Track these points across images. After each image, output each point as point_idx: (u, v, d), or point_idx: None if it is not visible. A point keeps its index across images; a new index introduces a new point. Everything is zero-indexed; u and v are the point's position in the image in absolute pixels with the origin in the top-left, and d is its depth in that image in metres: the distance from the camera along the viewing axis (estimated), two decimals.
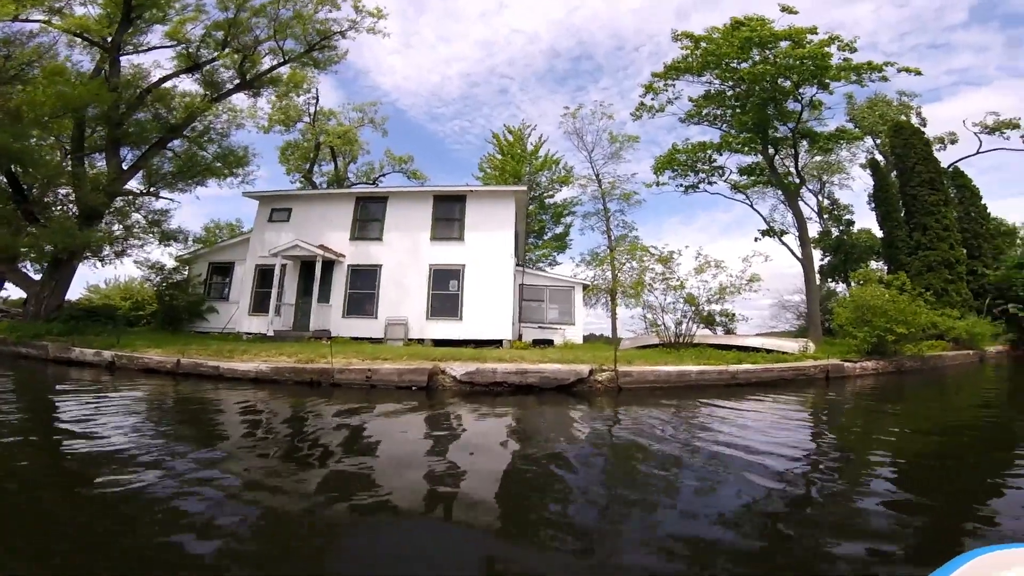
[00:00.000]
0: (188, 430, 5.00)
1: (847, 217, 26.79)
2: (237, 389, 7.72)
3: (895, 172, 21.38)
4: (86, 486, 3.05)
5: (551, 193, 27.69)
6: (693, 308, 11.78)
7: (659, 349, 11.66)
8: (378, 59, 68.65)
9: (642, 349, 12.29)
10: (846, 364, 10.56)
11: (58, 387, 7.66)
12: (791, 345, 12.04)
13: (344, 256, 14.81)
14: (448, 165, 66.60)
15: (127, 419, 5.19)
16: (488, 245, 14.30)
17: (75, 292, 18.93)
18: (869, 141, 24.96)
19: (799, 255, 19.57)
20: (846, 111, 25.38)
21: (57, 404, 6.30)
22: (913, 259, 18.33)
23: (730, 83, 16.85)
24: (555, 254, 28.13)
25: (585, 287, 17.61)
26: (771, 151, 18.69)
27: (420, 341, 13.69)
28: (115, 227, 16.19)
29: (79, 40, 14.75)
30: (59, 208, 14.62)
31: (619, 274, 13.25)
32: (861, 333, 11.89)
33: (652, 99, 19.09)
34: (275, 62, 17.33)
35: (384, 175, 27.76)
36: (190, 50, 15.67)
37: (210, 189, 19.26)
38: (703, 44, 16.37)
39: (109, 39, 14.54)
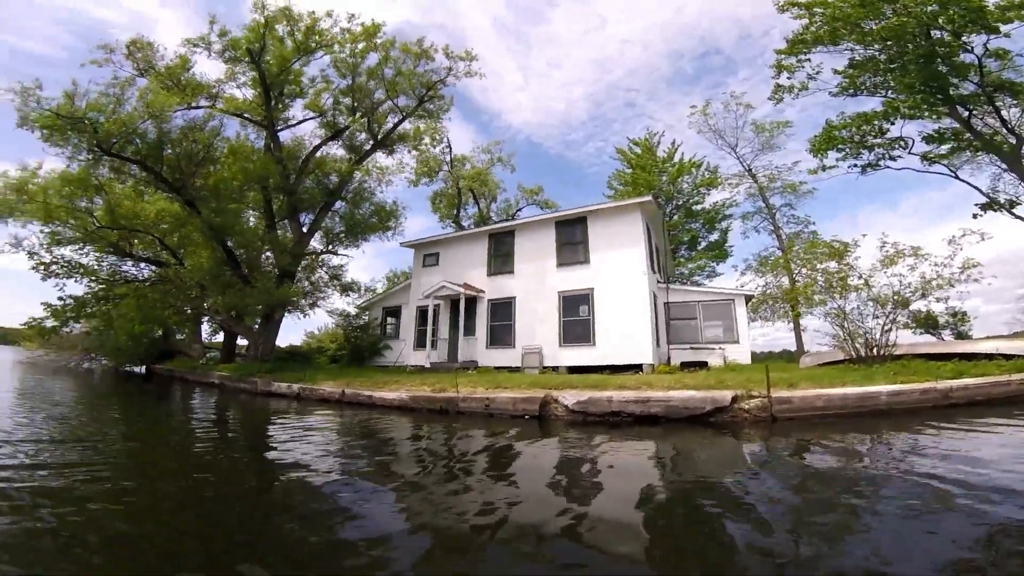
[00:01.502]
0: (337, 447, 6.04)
1: None
2: (383, 414, 8.88)
3: None
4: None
5: (697, 199, 25.39)
6: (886, 310, 9.25)
7: (843, 366, 9.44)
8: (503, 100, 73.63)
9: (825, 367, 10.12)
10: None
11: (260, 414, 9.62)
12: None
13: (484, 291, 15.68)
14: (588, 189, 66.92)
15: (299, 440, 6.18)
16: (616, 265, 13.61)
17: (297, 338, 23.86)
18: None
19: None
20: None
21: (259, 425, 8.31)
22: None
23: (876, 47, 13.82)
24: (713, 264, 25.46)
25: (749, 298, 15.45)
26: (963, 112, 14.45)
27: (555, 369, 13.58)
28: (304, 283, 19.99)
29: (241, 119, 18.02)
30: (265, 270, 18.46)
31: (797, 278, 11.28)
32: None
33: (788, 78, 16.60)
34: (396, 119, 19.50)
35: (520, 209, 29.01)
36: (327, 119, 18.64)
37: (389, 242, 22.18)
38: (817, 9, 13.89)
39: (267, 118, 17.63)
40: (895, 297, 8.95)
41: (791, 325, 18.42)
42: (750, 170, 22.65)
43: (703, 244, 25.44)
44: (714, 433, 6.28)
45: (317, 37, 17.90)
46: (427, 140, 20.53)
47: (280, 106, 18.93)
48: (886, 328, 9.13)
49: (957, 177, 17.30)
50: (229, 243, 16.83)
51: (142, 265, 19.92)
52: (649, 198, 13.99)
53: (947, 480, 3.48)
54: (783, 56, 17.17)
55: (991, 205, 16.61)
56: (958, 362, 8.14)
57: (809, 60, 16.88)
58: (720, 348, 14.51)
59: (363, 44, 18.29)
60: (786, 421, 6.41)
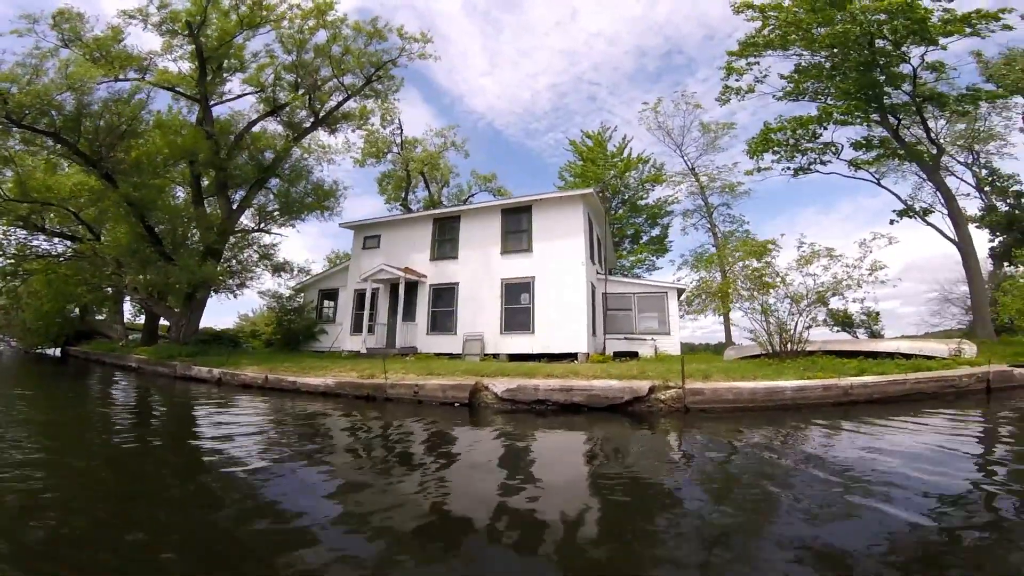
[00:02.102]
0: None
1: (1014, 188, 21.06)
2: (308, 401, 8.70)
3: None
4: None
5: (642, 195, 26.12)
6: (799, 309, 9.87)
7: (759, 360, 10.00)
8: (470, 83, 72.37)
9: (745, 360, 10.69)
10: (1016, 371, 7.96)
11: (175, 399, 9.16)
12: (937, 348, 9.60)
13: (426, 276, 15.43)
14: (547, 179, 67.32)
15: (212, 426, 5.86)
16: (557, 254, 13.79)
17: (230, 320, 22.67)
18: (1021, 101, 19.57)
19: (953, 236, 15.77)
20: (979, 71, 20.50)
21: (170, 411, 7.85)
22: None
23: (823, 54, 14.62)
24: (654, 258, 26.38)
25: (681, 292, 16.12)
26: (893, 120, 15.59)
27: (495, 356, 13.63)
28: (232, 263, 18.97)
29: (173, 93, 17.29)
30: (192, 248, 17.45)
31: (728, 274, 11.82)
32: None
33: (736, 80, 17.24)
34: (340, 98, 18.89)
35: (472, 195, 28.70)
36: (268, 94, 17.85)
37: (334, 223, 21.23)
38: (771, 12, 14.50)
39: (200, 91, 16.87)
40: (808, 295, 9.53)
41: (722, 319, 19.46)
42: (693, 169, 23.62)
43: (645, 238, 26.27)
44: (632, 423, 6.48)
45: (264, 12, 17.08)
46: (376, 120, 19.91)
47: (217, 80, 18.05)
48: (799, 325, 9.74)
49: (879, 183, 18.79)
50: (149, 219, 15.73)
51: (56, 240, 18.30)
52: (591, 191, 14.22)
53: (836, 473, 3.76)
54: (734, 58, 17.80)
55: (907, 212, 18.12)
56: (862, 360, 8.73)
57: (758, 63, 17.61)
58: (652, 339, 15.10)
59: (313, 21, 17.52)
60: (698, 412, 6.69)
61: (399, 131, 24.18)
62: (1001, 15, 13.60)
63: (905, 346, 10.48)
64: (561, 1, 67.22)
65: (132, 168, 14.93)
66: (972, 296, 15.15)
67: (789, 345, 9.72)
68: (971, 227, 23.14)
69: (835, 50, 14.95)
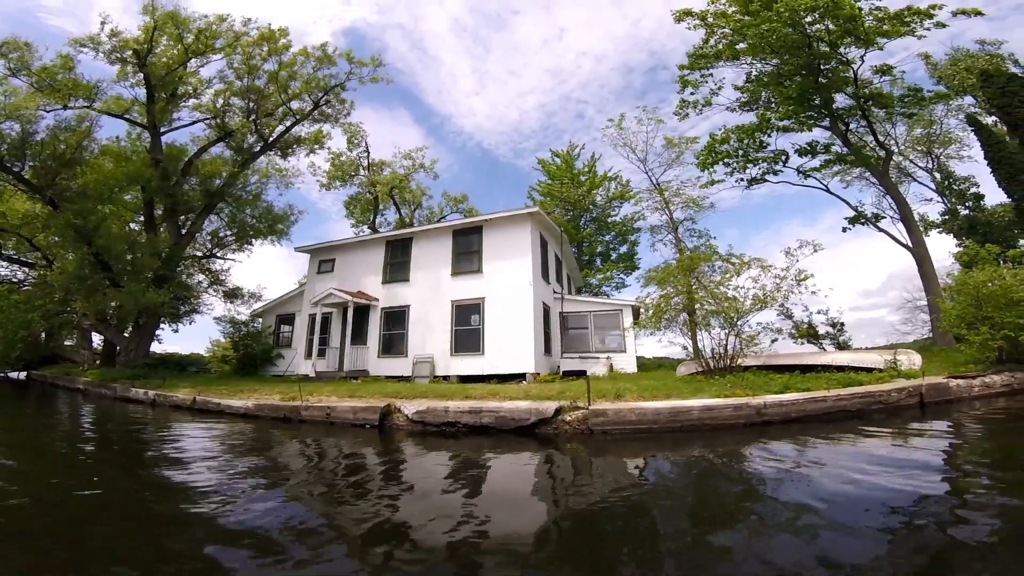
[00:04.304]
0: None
1: (972, 191, 21.29)
2: (230, 422, 8.96)
3: (1003, 126, 16.70)
4: None
5: (610, 212, 26.24)
6: (730, 322, 9.66)
7: (691, 378, 9.76)
8: (458, 103, 73.40)
9: (688, 377, 10.42)
10: (953, 383, 7.58)
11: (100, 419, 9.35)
12: (875, 359, 9.35)
13: (378, 300, 15.26)
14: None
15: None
16: (507, 274, 13.68)
17: (200, 346, 22.55)
18: (971, 100, 19.94)
19: (907, 242, 15.80)
20: (928, 73, 20.92)
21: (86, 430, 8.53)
22: None
23: (773, 61, 14.74)
24: (623, 276, 26.32)
25: (636, 309, 15.97)
26: (842, 126, 15.68)
27: (445, 378, 13.41)
28: (178, 290, 18.81)
29: (130, 121, 17.52)
30: (145, 275, 17.33)
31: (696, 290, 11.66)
32: (978, 336, 8.87)
33: (692, 94, 17.40)
34: (289, 123, 19.07)
35: (443, 216, 28.74)
36: (219, 121, 18.04)
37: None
38: (711, 19, 14.67)
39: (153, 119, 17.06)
40: (736, 307, 9.33)
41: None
42: (658, 184, 23.70)
43: (615, 256, 26.27)
44: (538, 445, 6.29)
45: (207, 41, 17.45)
46: (329, 145, 20.06)
47: (171, 107, 18.32)
48: (730, 340, 9.56)
49: (827, 190, 18.79)
50: (95, 246, 15.69)
51: (15, 267, 18.42)
52: (538, 209, 14.20)
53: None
54: (687, 71, 17.97)
55: (858, 219, 18.15)
56: (795, 375, 8.45)
57: (712, 75, 17.73)
58: (607, 357, 14.89)
59: (264, 48, 17.88)
60: (601, 434, 6.45)
61: (366, 153, 24.33)
62: (933, 11, 13.70)
63: (843, 358, 10.25)
64: (549, 20, 68.87)
65: (78, 195, 14.85)
66: (929, 303, 15.08)
67: (721, 361, 9.50)
68: (935, 232, 23.38)
69: (786, 57, 15.04)
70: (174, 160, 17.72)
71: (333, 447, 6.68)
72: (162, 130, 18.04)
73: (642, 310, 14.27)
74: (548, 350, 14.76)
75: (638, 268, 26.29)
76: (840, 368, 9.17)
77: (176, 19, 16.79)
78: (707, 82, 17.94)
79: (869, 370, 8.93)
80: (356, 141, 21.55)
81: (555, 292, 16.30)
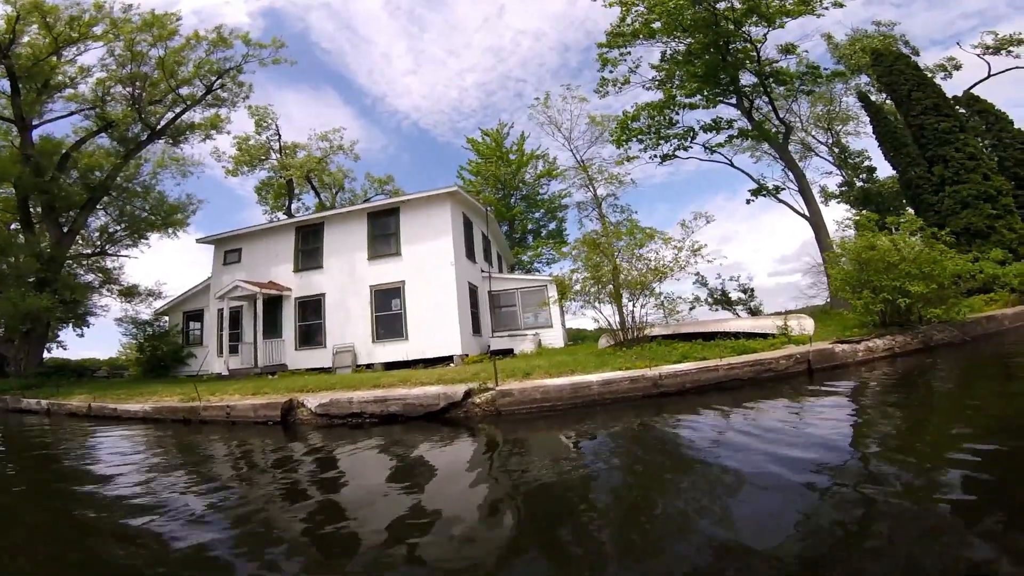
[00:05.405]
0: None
1: (866, 164, 23.44)
2: (128, 427, 8.55)
3: (891, 103, 18.41)
4: None
5: (538, 190, 26.35)
6: (635, 294, 9.93)
7: (605, 350, 9.99)
8: (393, 83, 70.21)
9: (604, 350, 10.64)
10: (838, 348, 7.62)
11: None
12: (769, 325, 9.90)
13: (290, 289, 14.45)
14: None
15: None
16: (427, 256, 13.37)
17: (113, 349, 20.64)
18: (866, 79, 21.79)
19: (805, 212, 17.10)
20: (830, 53, 22.57)
21: None
22: (941, 196, 15.32)
23: (686, 40, 15.11)
24: (553, 252, 26.62)
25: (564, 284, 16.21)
26: (747, 103, 16.49)
27: (369, 366, 13.03)
28: (64, 292, 17.02)
29: None
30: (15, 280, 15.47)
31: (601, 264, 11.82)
32: (860, 301, 9.31)
33: (611, 72, 17.55)
34: (179, 109, 17.48)
35: (368, 199, 27.57)
36: (100, 111, 16.25)
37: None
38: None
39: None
40: (640, 279, 9.62)
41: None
42: (582, 162, 24.00)
43: (544, 233, 26.54)
44: (449, 431, 6.18)
45: (81, 29, 15.70)
46: (229, 129, 18.47)
47: (44, 98, 16.32)
48: (636, 310, 9.87)
49: (732, 164, 19.86)
50: None
51: None
52: (457, 188, 13.89)
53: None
54: (605, 49, 17.99)
55: (760, 191, 19.38)
56: (696, 344, 8.66)
57: (630, 54, 17.82)
58: (535, 333, 15.07)
59: (151, 34, 16.01)
60: (509, 415, 6.43)
61: (277, 136, 22.64)
62: None
63: (745, 325, 10.76)
64: None
65: None
66: (825, 269, 16.45)
67: (632, 332, 9.83)
68: (834, 203, 25.48)
69: (697, 36, 15.37)
70: (48, 155, 15.96)
71: (222, 445, 6.48)
72: (34, 123, 16.16)
73: (554, 285, 14.55)
74: (477, 330, 14.71)
75: (567, 243, 26.76)
76: (741, 335, 9.57)
77: (41, 8, 14.96)
78: (625, 60, 18.14)
79: (765, 336, 9.25)
80: (265, 124, 19.99)
81: (483, 271, 16.19)
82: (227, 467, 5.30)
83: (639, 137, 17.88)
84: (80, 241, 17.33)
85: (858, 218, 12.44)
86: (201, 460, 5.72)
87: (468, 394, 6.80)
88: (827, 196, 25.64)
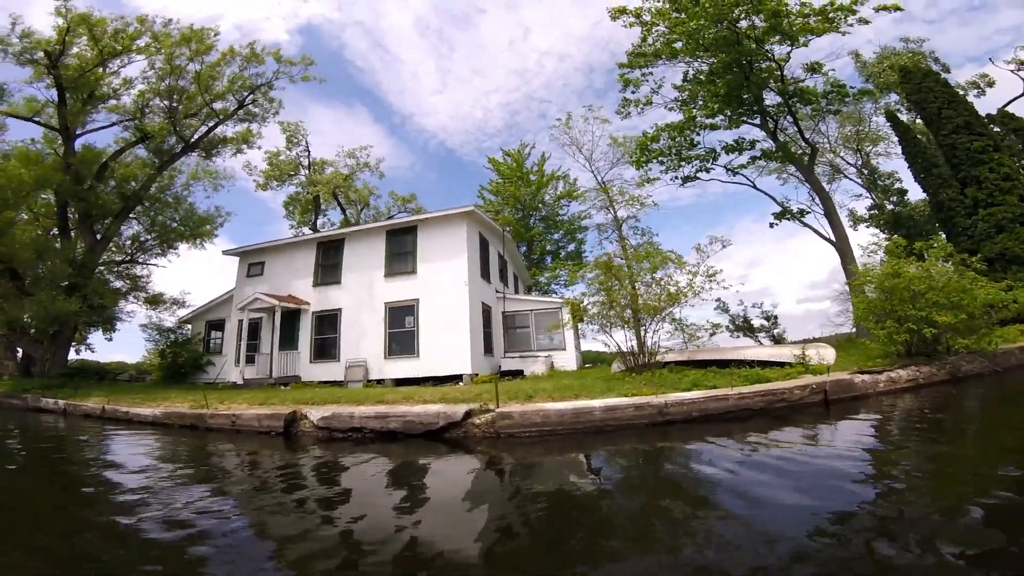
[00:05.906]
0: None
1: (897, 186, 22.63)
2: (138, 430, 8.85)
3: (921, 122, 17.72)
4: None
5: (558, 211, 26.40)
6: (647, 320, 9.73)
7: (614, 375, 9.78)
8: (421, 102, 72.39)
9: (615, 375, 10.43)
10: (857, 378, 7.35)
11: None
12: (787, 354, 9.54)
13: (309, 303, 14.73)
14: None
15: None
16: (442, 275, 13.47)
17: (139, 354, 21.64)
18: (895, 97, 21.14)
19: (831, 237, 16.58)
20: (858, 71, 22.02)
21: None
22: (975, 220, 14.61)
23: (710, 60, 15.01)
24: (569, 276, 26.46)
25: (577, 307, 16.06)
26: (771, 124, 16.19)
27: (379, 381, 13.09)
28: (93, 298, 17.77)
29: (36, 124, 16.67)
30: (48, 283, 16.26)
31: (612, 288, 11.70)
32: (883, 331, 8.88)
33: (633, 92, 17.57)
34: (212, 123, 18.27)
35: (391, 217, 28.15)
36: (138, 123, 17.16)
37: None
38: (645, 16, 14.79)
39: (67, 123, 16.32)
40: (652, 305, 9.42)
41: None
42: (603, 183, 23.93)
43: (563, 254, 26.46)
44: (448, 450, 6.13)
45: (125, 42, 16.75)
46: (259, 145, 19.26)
47: (88, 109, 17.33)
48: (649, 336, 9.66)
49: (754, 186, 19.38)
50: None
51: None
52: (473, 208, 14.04)
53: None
54: (627, 70, 17.99)
55: (784, 214, 18.87)
56: (709, 371, 8.40)
57: (652, 74, 17.70)
58: (547, 355, 14.93)
59: (189, 48, 17.02)
60: (508, 438, 6.33)
61: (306, 152, 23.49)
62: (855, 7, 14.04)
63: (763, 353, 10.41)
64: (514, 20, 68.79)
65: None
66: (852, 296, 15.86)
67: (642, 358, 9.60)
68: (863, 227, 24.60)
69: (720, 55, 15.18)
70: (88, 163, 16.80)
71: (217, 453, 6.70)
72: (78, 132, 17.13)
73: (568, 308, 14.39)
74: (489, 350, 14.66)
75: (584, 266, 26.43)
76: (757, 363, 9.23)
77: (89, 20, 16.01)
78: (647, 81, 18.07)
79: (782, 365, 8.92)
80: (296, 140, 20.80)
81: (497, 291, 16.21)
82: (211, 473, 5.46)
83: (660, 159, 17.73)
84: (112, 248, 18.22)
85: (885, 243, 11.95)
86: (192, 466, 5.85)
87: (468, 415, 6.75)
88: (856, 220, 24.81)
